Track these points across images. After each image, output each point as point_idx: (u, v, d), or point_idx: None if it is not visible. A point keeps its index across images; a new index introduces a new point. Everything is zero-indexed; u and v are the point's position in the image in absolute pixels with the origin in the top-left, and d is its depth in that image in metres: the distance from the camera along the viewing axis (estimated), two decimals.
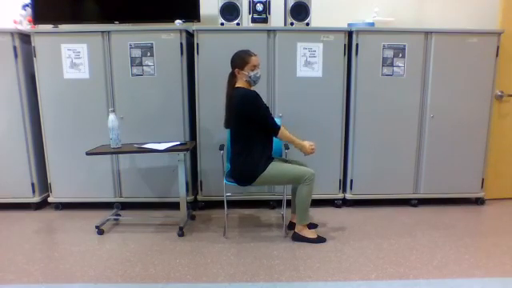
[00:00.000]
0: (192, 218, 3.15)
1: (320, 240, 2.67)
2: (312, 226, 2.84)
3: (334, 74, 3.16)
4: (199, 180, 3.30)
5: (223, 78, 3.07)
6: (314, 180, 2.57)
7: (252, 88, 2.60)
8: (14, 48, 3.09)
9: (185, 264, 2.39)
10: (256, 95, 2.52)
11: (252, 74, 2.53)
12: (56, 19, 3.28)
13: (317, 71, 3.15)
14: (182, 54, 3.08)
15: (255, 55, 2.55)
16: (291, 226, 2.84)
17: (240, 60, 2.53)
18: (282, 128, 2.57)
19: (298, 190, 2.58)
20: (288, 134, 2.59)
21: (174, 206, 3.08)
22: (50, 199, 3.34)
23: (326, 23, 3.47)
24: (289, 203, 2.93)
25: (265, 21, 3.17)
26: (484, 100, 3.25)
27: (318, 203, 3.34)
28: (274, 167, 2.56)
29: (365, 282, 2.17)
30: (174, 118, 3.18)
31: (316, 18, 3.42)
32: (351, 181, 3.33)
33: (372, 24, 3.33)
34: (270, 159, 2.62)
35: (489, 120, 3.28)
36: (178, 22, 3.12)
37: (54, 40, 3.07)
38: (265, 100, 3.11)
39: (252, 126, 2.52)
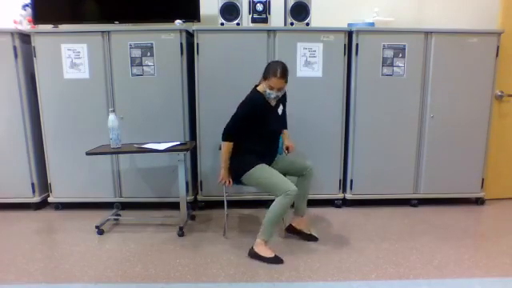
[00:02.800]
0: (192, 218, 3.15)
1: (276, 261, 2.39)
2: (312, 238, 2.71)
3: (334, 74, 3.16)
4: (199, 180, 3.30)
5: (223, 77, 3.08)
6: (290, 199, 2.37)
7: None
8: (14, 48, 3.09)
9: (185, 264, 2.39)
10: (252, 104, 2.48)
11: (267, 91, 2.44)
12: (56, 19, 3.28)
13: (317, 71, 3.15)
14: (182, 54, 3.08)
15: (280, 78, 2.38)
16: (289, 228, 2.79)
17: (266, 72, 2.44)
18: (226, 144, 2.51)
19: (275, 201, 2.40)
20: (225, 154, 2.53)
21: (174, 205, 3.08)
22: (50, 199, 3.34)
23: (326, 23, 3.47)
24: None
25: (265, 21, 3.17)
26: (484, 100, 3.25)
27: (318, 203, 3.34)
28: (259, 170, 2.49)
29: (365, 282, 2.17)
30: (174, 118, 3.18)
31: (316, 18, 3.42)
32: (351, 181, 3.33)
33: (372, 24, 3.33)
34: (261, 160, 2.53)
35: (489, 120, 3.28)
36: (177, 21, 3.12)
37: (54, 40, 3.07)
38: None
39: (249, 125, 2.49)
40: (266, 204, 3.36)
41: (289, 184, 2.39)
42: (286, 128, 2.82)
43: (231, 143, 2.54)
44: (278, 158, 2.71)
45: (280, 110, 2.64)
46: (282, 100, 2.67)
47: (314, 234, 2.72)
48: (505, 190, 3.57)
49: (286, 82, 2.47)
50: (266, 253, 2.42)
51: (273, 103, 2.55)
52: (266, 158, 2.60)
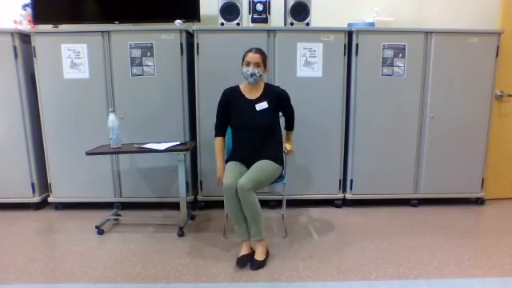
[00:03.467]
0: (192, 218, 3.15)
1: (237, 262, 2.34)
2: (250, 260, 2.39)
3: (334, 74, 3.16)
4: (199, 180, 3.30)
5: (223, 77, 3.08)
6: (225, 195, 2.35)
7: (245, 84, 2.57)
8: (14, 48, 3.09)
9: (185, 264, 2.39)
10: (223, 93, 2.61)
11: (244, 69, 2.48)
12: (56, 19, 3.28)
13: (317, 71, 3.15)
14: (182, 54, 3.08)
15: (254, 52, 2.46)
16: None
17: (243, 55, 2.52)
18: (217, 139, 2.60)
19: None
20: (216, 151, 2.59)
21: (174, 206, 3.08)
22: (50, 199, 3.34)
23: (326, 23, 3.47)
24: (289, 204, 2.92)
25: (265, 21, 3.17)
26: (484, 100, 3.25)
27: (318, 203, 3.34)
28: (227, 166, 2.53)
29: (365, 282, 2.17)
30: (174, 117, 3.18)
31: (316, 18, 3.42)
32: (351, 181, 3.33)
33: (372, 24, 3.33)
34: (235, 156, 2.57)
35: (489, 120, 3.28)
36: (177, 21, 3.12)
37: (54, 40, 3.07)
38: None
39: (225, 117, 2.59)
40: (267, 204, 3.38)
41: (225, 179, 2.37)
42: (290, 129, 2.79)
43: (220, 138, 2.61)
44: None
45: (259, 106, 2.51)
46: (278, 100, 2.56)
47: (257, 259, 2.37)
48: (505, 190, 3.57)
49: (264, 62, 2.48)
50: (240, 251, 2.41)
51: (250, 94, 2.53)
52: (240, 153, 2.56)
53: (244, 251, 2.39)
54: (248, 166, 2.52)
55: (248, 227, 2.39)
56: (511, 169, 3.53)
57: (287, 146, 2.72)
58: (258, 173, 2.39)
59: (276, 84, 3.13)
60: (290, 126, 2.78)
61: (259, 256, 2.37)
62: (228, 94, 2.60)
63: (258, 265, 2.33)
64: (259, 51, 2.49)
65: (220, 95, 2.62)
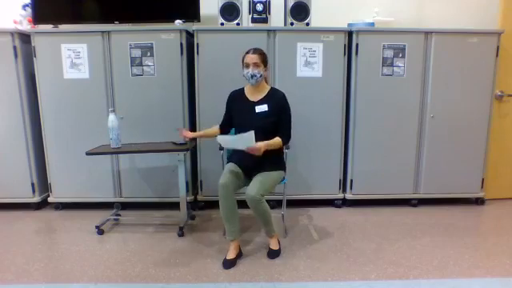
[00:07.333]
0: (192, 218, 3.15)
1: (224, 263, 2.36)
2: (269, 253, 2.52)
3: (334, 74, 3.16)
4: (199, 180, 3.30)
5: (223, 77, 3.08)
6: (220, 192, 2.42)
7: (248, 85, 2.56)
8: (14, 48, 3.09)
9: (185, 264, 2.39)
10: (227, 99, 2.65)
11: (244, 71, 2.45)
12: (56, 19, 3.28)
13: (317, 71, 3.15)
14: (182, 54, 3.08)
15: (252, 53, 2.43)
16: None
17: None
18: (217, 126, 2.72)
19: None
20: (208, 129, 2.79)
21: (174, 206, 3.08)
22: (50, 199, 3.34)
23: (326, 23, 3.47)
24: (289, 204, 2.92)
25: (265, 21, 3.17)
26: (484, 100, 3.25)
27: (318, 203, 3.34)
28: (227, 165, 2.58)
29: (365, 282, 2.17)
30: (174, 117, 3.18)
31: (316, 18, 3.42)
32: (351, 181, 3.33)
33: (372, 24, 3.32)
34: (233, 157, 2.61)
35: (489, 120, 3.28)
36: (177, 21, 3.12)
37: (54, 40, 3.07)
38: None
39: (229, 116, 2.67)
40: (267, 204, 3.37)
41: (222, 177, 2.44)
42: (279, 135, 2.49)
43: (218, 127, 2.71)
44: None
45: (259, 108, 2.49)
46: (278, 104, 2.50)
47: (273, 248, 2.51)
48: (505, 190, 3.57)
49: (263, 61, 2.45)
50: (229, 251, 2.43)
51: (252, 96, 2.52)
52: (240, 157, 2.53)
53: (232, 253, 2.41)
54: (248, 171, 2.52)
55: (239, 227, 2.49)
56: (511, 169, 3.53)
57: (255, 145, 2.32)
58: (265, 181, 2.42)
59: (276, 84, 3.14)
60: (280, 137, 2.49)
61: (274, 246, 2.51)
62: (232, 96, 2.64)
63: (275, 253, 2.49)
64: (257, 51, 2.46)
65: (220, 95, 2.64)
